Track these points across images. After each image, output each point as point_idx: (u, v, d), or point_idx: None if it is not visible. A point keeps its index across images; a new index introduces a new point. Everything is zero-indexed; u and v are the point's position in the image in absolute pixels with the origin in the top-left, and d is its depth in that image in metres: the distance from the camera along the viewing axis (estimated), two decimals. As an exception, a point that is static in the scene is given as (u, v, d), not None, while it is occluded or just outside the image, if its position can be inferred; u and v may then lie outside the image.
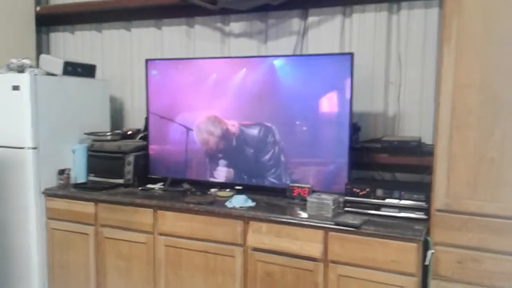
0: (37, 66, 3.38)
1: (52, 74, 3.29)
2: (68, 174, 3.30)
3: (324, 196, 2.53)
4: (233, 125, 3.02)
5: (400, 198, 2.41)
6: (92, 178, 3.32)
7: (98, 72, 3.64)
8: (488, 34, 2.03)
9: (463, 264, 2.11)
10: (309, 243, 2.40)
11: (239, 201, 2.69)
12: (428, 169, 2.29)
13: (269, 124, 2.91)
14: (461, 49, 2.09)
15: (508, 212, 2.01)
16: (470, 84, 2.08)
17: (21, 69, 3.19)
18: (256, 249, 2.55)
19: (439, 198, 2.15)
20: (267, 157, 2.94)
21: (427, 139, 2.80)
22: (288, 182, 2.84)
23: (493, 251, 2.05)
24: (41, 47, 4.11)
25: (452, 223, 2.12)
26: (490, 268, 2.05)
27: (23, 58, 3.29)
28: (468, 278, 2.10)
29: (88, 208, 3.04)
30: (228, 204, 2.69)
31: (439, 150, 2.16)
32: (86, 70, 3.52)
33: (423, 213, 2.34)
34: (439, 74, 2.17)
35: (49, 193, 3.15)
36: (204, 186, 3.06)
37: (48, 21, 4.05)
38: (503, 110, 2.02)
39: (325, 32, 3.10)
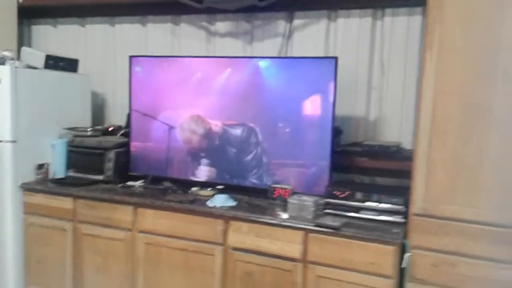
0: (18, 58, 3.32)
1: (33, 67, 3.25)
2: (47, 168, 3.26)
3: (305, 197, 2.56)
4: (216, 125, 3.02)
5: (379, 202, 2.45)
6: (71, 173, 3.29)
7: (80, 67, 3.60)
8: (469, 42, 2.08)
9: (438, 268, 2.15)
10: (289, 244, 2.42)
11: (220, 201, 2.70)
12: (407, 174, 2.33)
13: (252, 125, 2.93)
14: (443, 56, 2.13)
15: (484, 218, 2.06)
16: (450, 91, 2.12)
17: (1, 61, 3.14)
18: (236, 249, 2.56)
19: (417, 202, 2.20)
20: (249, 157, 2.95)
21: (407, 144, 2.85)
22: (269, 183, 2.86)
23: (468, 255, 2.09)
24: (23, 40, 4.05)
25: (429, 227, 2.17)
26: (464, 272, 2.10)
27: (4, 50, 3.25)
28: (443, 282, 2.14)
29: (66, 203, 3.00)
30: (209, 203, 2.69)
31: (418, 155, 2.20)
32: (68, 64, 3.49)
33: (401, 216, 2.39)
34: (421, 80, 2.21)
35: (26, 188, 3.11)
36: (185, 185, 3.06)
37: (30, 14, 3.98)
38: (481, 117, 2.06)
39: (310, 35, 3.14)
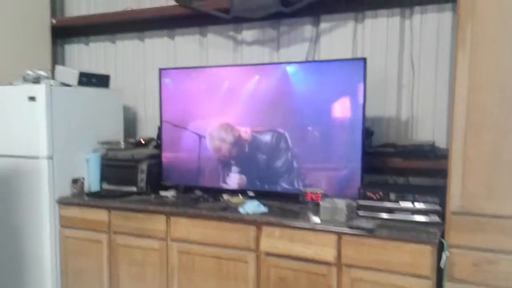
0: (53, 77, 3.43)
1: (67, 85, 3.34)
2: (82, 182, 3.33)
3: (337, 200, 2.51)
4: (245, 132, 3.02)
5: (414, 202, 2.38)
6: (105, 186, 3.35)
7: (112, 82, 3.69)
8: (503, 37, 2.02)
9: (478, 267, 2.06)
10: (323, 248, 2.38)
11: (251, 207, 2.68)
12: (442, 173, 2.26)
13: (281, 130, 2.91)
14: (476, 52, 2.07)
15: (525, 213, 1.97)
16: (486, 86, 2.06)
17: (36, 80, 3.24)
18: (269, 254, 2.53)
19: (454, 200, 2.12)
20: (279, 163, 2.93)
21: (440, 143, 2.77)
22: (300, 187, 2.83)
23: (510, 252, 2.00)
24: (57, 59, 4.19)
25: (467, 225, 2.09)
26: (506, 270, 2.01)
27: (39, 70, 3.34)
28: (483, 281, 2.05)
29: (101, 215, 3.05)
30: (241, 209, 2.68)
31: (454, 153, 2.13)
32: (100, 80, 3.57)
33: (437, 216, 2.31)
34: (454, 77, 2.15)
35: (63, 202, 3.18)
36: (216, 192, 3.06)
37: (63, 33, 4.13)
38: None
39: (337, 38, 3.11)
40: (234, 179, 3.07)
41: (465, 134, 2.11)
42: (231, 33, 3.49)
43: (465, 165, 2.11)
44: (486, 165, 2.06)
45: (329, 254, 2.36)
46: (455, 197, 2.13)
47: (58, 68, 3.48)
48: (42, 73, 3.32)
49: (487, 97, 2.06)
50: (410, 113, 2.92)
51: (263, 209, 2.68)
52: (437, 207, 2.32)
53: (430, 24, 2.85)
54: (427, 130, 2.88)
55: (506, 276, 2.01)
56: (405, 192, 2.43)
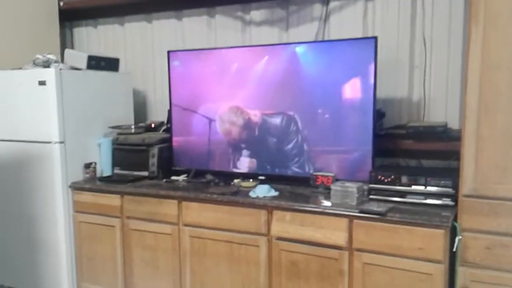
0: (62, 61, 3.42)
1: (77, 69, 3.33)
2: (94, 167, 3.35)
3: (348, 184, 2.49)
4: (255, 115, 3.00)
5: (426, 185, 2.35)
6: (117, 171, 3.36)
7: (121, 65, 3.67)
8: (516, 13, 1.95)
9: (492, 250, 2.04)
10: (334, 232, 2.37)
11: (262, 191, 2.68)
12: (455, 155, 2.22)
13: (291, 113, 2.88)
14: (489, 28, 2.01)
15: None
16: (499, 64, 2.01)
17: (46, 64, 3.23)
18: (280, 238, 2.53)
19: (467, 183, 2.09)
20: (290, 146, 2.91)
21: (453, 124, 2.72)
22: (311, 171, 2.81)
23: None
24: (65, 42, 4.18)
25: (480, 209, 2.06)
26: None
27: (48, 54, 3.33)
28: (497, 264, 2.03)
29: (114, 200, 3.08)
30: (251, 194, 2.68)
31: (467, 133, 2.09)
32: (109, 64, 3.55)
33: (450, 199, 2.28)
34: (466, 55, 2.09)
35: (75, 187, 3.21)
36: (227, 176, 3.06)
37: (71, 16, 4.10)
38: (533, 90, 1.94)
39: (347, 17, 3.05)
40: (244, 163, 3.06)
41: (478, 114, 2.06)
42: (239, 13, 3.43)
43: (478, 146, 2.07)
44: (500, 146, 2.02)
45: (340, 238, 2.35)
46: (468, 180, 2.09)
47: (68, 51, 3.47)
48: (51, 57, 3.31)
49: (500, 75, 2.01)
50: (422, 94, 2.86)
51: (273, 193, 2.67)
52: (450, 190, 2.28)
53: (443, 0, 2.77)
54: (439, 111, 2.82)
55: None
56: (417, 175, 2.40)
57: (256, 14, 3.36)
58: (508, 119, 1.99)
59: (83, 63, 3.35)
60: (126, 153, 3.33)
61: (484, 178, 2.06)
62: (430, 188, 2.33)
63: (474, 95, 2.07)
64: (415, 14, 2.86)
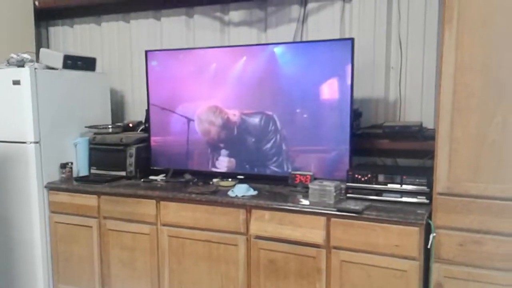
0: (37, 60, 3.37)
1: (52, 68, 3.29)
2: (71, 167, 3.30)
3: (326, 183, 2.52)
4: (234, 115, 3.01)
5: (401, 183, 2.40)
6: (94, 171, 3.33)
7: (98, 65, 3.64)
8: (489, 16, 2.00)
9: (464, 247, 2.09)
10: (312, 230, 2.40)
11: (241, 190, 2.69)
12: (429, 154, 2.27)
13: (270, 113, 2.90)
14: (462, 31, 2.06)
15: (509, 194, 1.99)
16: (472, 66, 2.05)
17: (21, 64, 3.18)
18: (259, 237, 2.55)
19: (441, 181, 2.14)
20: (268, 145, 2.93)
21: (428, 124, 2.78)
22: (289, 170, 2.83)
23: (494, 232, 2.03)
24: (41, 42, 4.11)
25: (453, 206, 2.11)
26: (491, 250, 2.04)
27: (23, 53, 3.28)
28: (469, 261, 2.09)
29: (90, 201, 3.04)
30: (230, 193, 2.68)
31: (441, 134, 2.14)
32: (86, 63, 3.52)
33: (425, 197, 2.33)
34: (440, 57, 2.14)
35: (51, 187, 3.16)
36: (206, 176, 3.06)
37: (47, 16, 4.04)
38: (504, 92, 1.99)
39: (325, 18, 3.08)
40: (223, 163, 3.07)
41: (452, 114, 2.11)
42: (218, 14, 3.44)
43: (451, 146, 2.12)
44: (472, 146, 2.07)
45: (318, 236, 2.38)
46: (441, 178, 2.14)
47: (43, 51, 3.42)
48: (26, 56, 3.26)
49: (472, 77, 2.05)
50: (398, 94, 2.92)
51: (252, 192, 2.69)
52: (425, 188, 2.34)
53: (418, 3, 2.83)
54: (415, 111, 2.88)
55: (490, 256, 2.04)
56: (393, 173, 2.44)
57: (235, 15, 3.38)
58: (480, 120, 2.05)
59: (59, 63, 3.31)
60: (103, 153, 3.30)
61: (457, 177, 2.10)
62: (406, 187, 2.38)
63: (447, 96, 2.11)
64: (391, 16, 2.92)
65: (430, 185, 2.28)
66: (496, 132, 2.02)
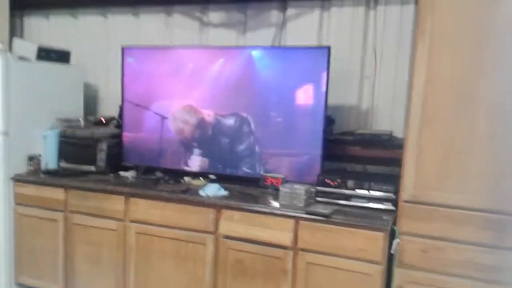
0: (10, 50, 3.30)
1: (26, 59, 3.23)
2: (39, 160, 3.25)
3: (296, 186, 2.55)
4: (208, 115, 3.02)
5: (369, 189, 2.45)
6: (63, 164, 3.27)
7: (72, 58, 3.58)
8: (460, 31, 2.08)
9: (427, 253, 2.16)
10: (280, 232, 2.42)
11: (212, 190, 2.69)
12: (398, 162, 2.34)
13: (244, 115, 2.92)
14: (434, 45, 2.13)
15: (471, 204, 2.07)
16: (441, 79, 2.13)
17: (-7, 53, 3.12)
18: (227, 237, 2.56)
19: (407, 189, 2.20)
20: (241, 147, 2.95)
21: (398, 133, 2.85)
22: (261, 172, 2.86)
23: (455, 240, 2.11)
24: (15, 32, 4.03)
25: (418, 214, 2.17)
26: (452, 257, 2.11)
27: (-5, 42, 3.22)
28: (431, 267, 2.15)
29: (58, 194, 2.99)
30: (201, 192, 2.69)
31: (409, 143, 2.20)
32: (60, 56, 3.47)
33: (391, 203, 2.39)
34: (412, 69, 2.21)
35: (18, 179, 3.10)
36: (178, 175, 3.05)
37: (22, 6, 3.96)
38: (471, 105, 2.07)
39: (304, 25, 3.13)
40: (195, 162, 3.07)
41: (421, 125, 2.18)
42: (197, 14, 3.45)
43: (419, 155, 2.18)
44: (438, 156, 2.14)
45: (286, 238, 2.41)
46: (408, 186, 2.20)
47: (16, 41, 3.36)
48: (-1, 45, 3.19)
49: (442, 89, 2.13)
50: (371, 103, 2.99)
51: (223, 192, 2.70)
52: (391, 195, 2.40)
53: (393, 15, 2.91)
54: (386, 120, 2.95)
55: (451, 263, 2.11)
56: (362, 180, 2.50)
57: (214, 16, 3.39)
58: (448, 131, 2.12)
59: (32, 54, 3.26)
60: (74, 146, 3.25)
61: (423, 185, 2.17)
62: (373, 193, 2.44)
63: (417, 107, 2.18)
64: (367, 27, 2.99)
65: (396, 192, 2.34)
66: (462, 143, 2.09)
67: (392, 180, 2.43)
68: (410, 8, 2.86)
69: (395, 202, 2.36)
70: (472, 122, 2.07)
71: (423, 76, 2.17)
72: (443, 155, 2.13)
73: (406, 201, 2.21)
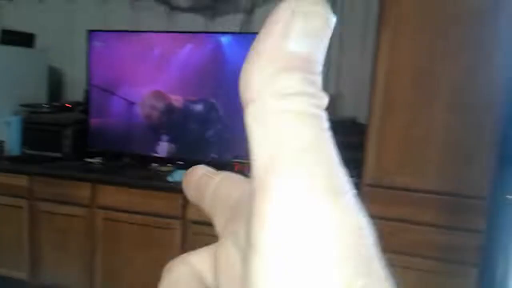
0: (-30, 32, 3.21)
1: (-13, 42, 3.15)
2: (2, 146, 3.18)
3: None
4: (177, 100, 3.01)
5: (334, 174, 2.51)
6: (27, 151, 3.22)
7: (37, 42, 3.50)
8: (422, 23, 2.14)
9: (394, 236, 2.24)
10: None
11: (180, 176, 2.70)
12: (361, 147, 2.40)
13: (213, 100, 2.93)
14: (398, 34, 2.19)
15: (427, 187, 2.16)
16: (403, 68, 2.19)
17: (-49, 35, 3.03)
18: (195, 222, 2.59)
19: (369, 173, 2.27)
20: (210, 133, 2.97)
21: (362, 120, 2.92)
22: (230, 158, 2.89)
23: (417, 222, 2.20)
24: (-25, 13, 3.90)
25: (381, 197, 2.25)
26: (415, 238, 2.20)
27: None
28: (393, 248, 2.24)
29: (22, 181, 2.95)
30: (169, 178, 2.70)
31: (371, 129, 2.27)
32: (23, 39, 3.39)
33: (355, 188, 2.45)
34: (375, 57, 2.26)
35: (-19, 165, 3.04)
36: (145, 160, 3.05)
37: (-18, -14, 3.84)
38: (430, 95, 2.15)
39: (272, 11, 3.13)
40: (163, 148, 3.07)
41: (383, 112, 2.24)
42: (165, -2, 3.42)
43: (380, 141, 2.26)
44: (399, 142, 2.22)
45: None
46: (370, 171, 2.28)
47: (-23, 23, 3.26)
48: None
49: (403, 79, 2.20)
50: (337, 90, 3.04)
51: (191, 178, 2.71)
52: (355, 179, 2.46)
53: (359, 4, 2.96)
54: (350, 106, 3.02)
55: (409, 243, 2.20)
56: (327, 164, 2.55)
57: (182, 0, 3.37)
58: (408, 119, 2.19)
59: (-6, 37, 3.17)
60: (38, 132, 3.20)
61: (384, 170, 2.25)
62: (338, 177, 2.50)
63: (380, 94, 2.25)
64: (334, 13, 3.02)
65: (359, 176, 2.41)
66: (421, 129, 2.17)
67: (356, 165, 2.49)
68: (375, -3, 2.91)
69: (358, 186, 2.43)
70: (430, 110, 2.15)
71: (385, 65, 2.23)
72: (403, 141, 2.21)
73: (369, 185, 2.28)
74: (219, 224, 0.24)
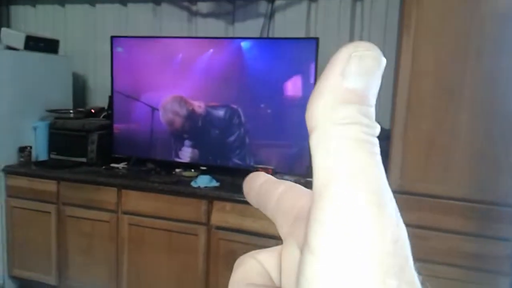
0: (-2, 40, 3.29)
1: (13, 49, 3.21)
2: (30, 151, 3.25)
3: (286, 177, 2.61)
4: (199, 106, 3.04)
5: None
6: (54, 156, 3.29)
7: (60, 48, 3.57)
8: (445, 25, 2.13)
9: (412, 242, 2.23)
10: (271, 222, 2.47)
11: (203, 181, 2.74)
12: (384, 153, 2.40)
13: (235, 106, 2.96)
14: (419, 38, 2.18)
15: (453, 194, 2.15)
16: (426, 72, 2.19)
17: (-20, 43, 3.10)
18: (219, 228, 2.62)
19: (393, 180, 2.27)
20: (232, 138, 2.99)
21: (385, 125, 2.91)
22: (252, 163, 2.91)
23: (439, 229, 2.19)
24: (2, 21, 3.98)
25: (403, 204, 2.24)
26: (435, 246, 2.20)
27: (-18, 32, 3.19)
28: (416, 255, 2.23)
29: (50, 186, 3.02)
30: (193, 183, 2.73)
31: (395, 136, 2.27)
32: (48, 45, 3.45)
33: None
34: (397, 62, 2.26)
35: (9, 171, 3.11)
36: (169, 166, 3.09)
37: (8, -6, 3.92)
38: (454, 99, 2.14)
39: (292, 16, 3.15)
40: (186, 153, 3.10)
41: (406, 118, 2.24)
42: (186, 3, 3.45)
43: (404, 147, 2.25)
44: (423, 149, 2.21)
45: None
46: (394, 177, 2.27)
47: (4, 30, 3.33)
48: (-15, 35, 3.17)
49: (425, 83, 2.19)
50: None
51: (215, 183, 2.75)
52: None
53: (380, 8, 2.95)
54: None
55: (435, 251, 2.20)
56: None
57: (203, 6, 3.40)
58: (431, 125, 2.19)
59: (20, 43, 3.23)
60: (64, 138, 3.26)
61: (408, 176, 2.24)
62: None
63: (402, 101, 2.24)
64: (354, 18, 3.03)
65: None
66: (445, 136, 2.17)
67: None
68: (396, 1, 2.90)
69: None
70: (454, 116, 2.14)
71: (408, 70, 2.22)
72: (427, 148, 2.20)
73: (393, 191, 2.27)
74: (282, 228, 0.26)
